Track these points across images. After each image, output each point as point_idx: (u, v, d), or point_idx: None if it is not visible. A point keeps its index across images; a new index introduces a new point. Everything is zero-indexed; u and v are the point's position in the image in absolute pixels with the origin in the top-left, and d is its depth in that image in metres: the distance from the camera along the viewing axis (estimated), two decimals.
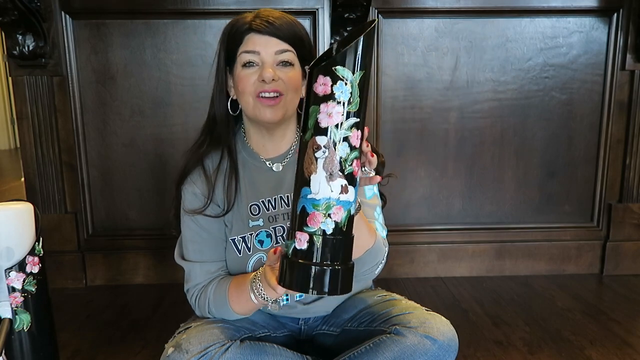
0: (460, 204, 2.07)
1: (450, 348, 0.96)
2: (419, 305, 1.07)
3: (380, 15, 1.90)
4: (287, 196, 1.07)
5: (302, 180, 0.72)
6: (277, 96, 1.00)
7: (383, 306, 1.08)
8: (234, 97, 1.06)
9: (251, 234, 1.06)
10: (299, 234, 0.72)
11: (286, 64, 1.00)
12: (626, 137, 2.03)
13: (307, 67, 0.71)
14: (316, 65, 0.70)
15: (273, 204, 1.07)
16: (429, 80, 1.97)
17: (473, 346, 1.52)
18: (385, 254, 1.03)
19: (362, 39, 0.67)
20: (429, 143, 2.02)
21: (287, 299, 1.08)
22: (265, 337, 1.09)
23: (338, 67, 0.68)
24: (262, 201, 1.07)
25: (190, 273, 1.07)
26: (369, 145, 0.77)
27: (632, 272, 2.09)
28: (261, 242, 1.06)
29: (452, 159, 2.04)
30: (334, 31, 1.84)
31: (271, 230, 1.06)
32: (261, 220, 1.06)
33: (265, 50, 0.98)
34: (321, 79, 0.69)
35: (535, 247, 2.10)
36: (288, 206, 1.07)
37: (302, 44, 1.02)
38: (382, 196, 1.16)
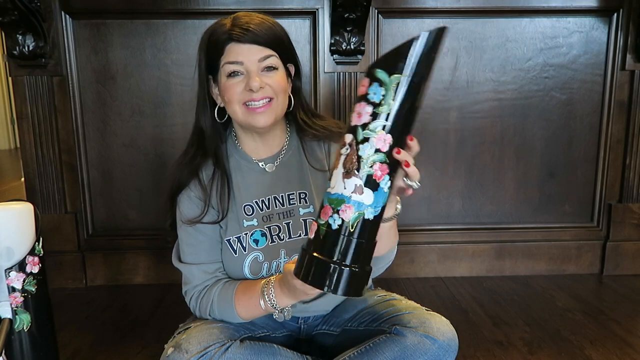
0: (460, 204, 2.07)
1: (450, 348, 0.96)
2: (419, 305, 1.07)
3: (380, 15, 1.90)
4: (282, 196, 1.08)
5: (330, 174, 0.74)
6: (267, 102, 1.00)
7: (383, 306, 1.08)
8: (222, 105, 1.06)
9: (246, 234, 1.06)
10: (313, 225, 0.75)
11: (270, 68, 1.00)
12: (626, 137, 2.03)
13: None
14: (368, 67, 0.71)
15: (267, 204, 1.08)
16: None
17: (473, 346, 1.52)
18: (395, 252, 1.05)
19: (406, 44, 0.66)
20: (429, 143, 2.02)
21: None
22: (265, 337, 1.10)
23: (377, 69, 0.68)
24: (256, 202, 1.08)
25: (188, 275, 1.08)
26: (411, 164, 0.73)
27: (632, 272, 2.09)
28: (256, 242, 1.06)
29: (452, 159, 2.04)
30: (334, 31, 1.84)
31: (266, 230, 1.06)
32: (255, 220, 1.07)
33: (248, 59, 0.98)
34: (364, 80, 0.70)
35: (535, 247, 2.10)
36: (283, 206, 1.08)
37: (283, 46, 1.02)
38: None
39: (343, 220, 0.71)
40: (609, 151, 2.04)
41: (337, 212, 0.71)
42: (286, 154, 1.11)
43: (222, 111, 1.06)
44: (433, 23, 1.92)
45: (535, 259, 2.10)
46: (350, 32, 1.82)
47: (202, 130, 1.07)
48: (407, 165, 0.74)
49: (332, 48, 1.86)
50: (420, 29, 1.90)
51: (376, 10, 1.88)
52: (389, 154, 0.70)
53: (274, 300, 0.94)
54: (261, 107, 1.00)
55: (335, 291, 0.72)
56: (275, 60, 1.00)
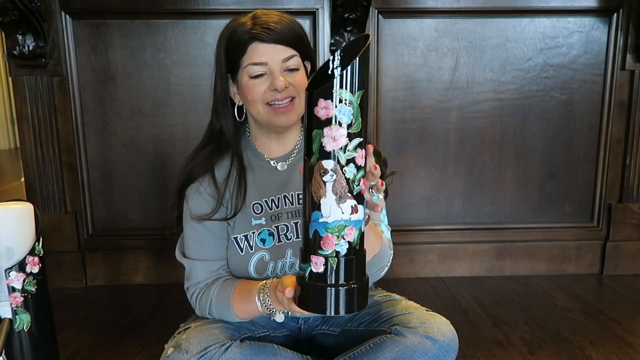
0: (460, 204, 2.07)
1: (451, 348, 0.96)
2: (419, 305, 1.07)
3: (380, 15, 1.90)
4: (292, 195, 1.08)
5: (312, 205, 0.71)
6: (290, 101, 1.00)
7: (383, 306, 1.08)
8: (240, 104, 1.06)
9: (253, 233, 1.06)
10: (314, 258, 0.72)
11: (293, 69, 1.00)
12: (626, 137, 2.03)
13: (306, 91, 0.70)
14: (313, 86, 0.69)
15: (276, 203, 1.07)
16: (429, 80, 1.97)
17: (473, 346, 1.52)
18: (391, 257, 1.03)
19: (359, 59, 0.66)
20: (429, 143, 2.02)
21: None
22: (265, 336, 1.09)
23: (339, 90, 0.67)
24: (265, 200, 1.07)
25: (191, 271, 1.07)
26: (378, 167, 0.76)
27: (632, 272, 2.09)
28: (263, 241, 1.06)
29: (452, 159, 2.04)
30: (334, 31, 1.84)
31: (273, 229, 1.06)
32: (263, 219, 1.07)
33: (272, 59, 0.98)
34: (322, 103, 0.67)
35: (535, 247, 2.10)
36: (292, 205, 1.07)
37: (304, 44, 1.02)
38: (385, 190, 1.16)
39: (349, 243, 0.72)
40: (609, 151, 2.04)
41: (342, 237, 0.71)
42: (299, 152, 1.10)
43: (240, 109, 1.06)
44: (433, 23, 1.92)
45: (535, 259, 2.10)
46: (350, 32, 1.82)
47: (220, 129, 1.07)
48: (383, 183, 0.77)
49: (332, 48, 1.86)
50: (420, 29, 1.92)
51: (376, 10, 1.88)
52: (365, 165, 0.72)
53: (270, 305, 0.94)
54: (285, 106, 1.00)
55: (353, 310, 0.73)
56: (297, 61, 1.01)
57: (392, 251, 1.04)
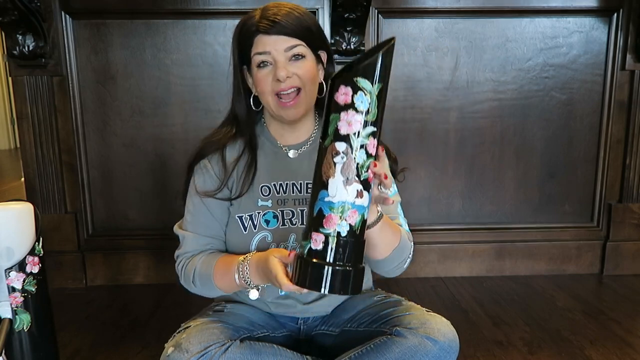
0: (460, 204, 2.07)
1: (451, 349, 0.96)
2: (419, 305, 1.07)
3: (380, 15, 1.90)
4: (300, 183, 1.09)
5: (320, 184, 0.74)
6: (295, 92, 1.02)
7: (383, 307, 1.08)
8: (256, 94, 1.08)
9: (258, 213, 1.07)
10: (314, 235, 0.75)
11: (298, 57, 1.01)
12: (626, 137, 2.03)
13: (330, 79, 0.75)
14: (338, 76, 0.73)
15: (284, 188, 1.09)
16: (429, 80, 1.97)
17: (473, 346, 1.52)
18: (412, 249, 1.04)
19: (381, 54, 0.70)
20: (429, 143, 2.02)
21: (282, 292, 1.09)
22: (265, 337, 1.09)
23: (359, 79, 0.71)
24: (274, 184, 1.09)
25: (183, 241, 1.10)
26: (382, 171, 0.77)
27: (632, 272, 2.09)
28: (267, 222, 1.07)
29: (452, 159, 2.04)
30: (334, 31, 1.84)
31: (279, 212, 1.08)
32: (270, 201, 1.08)
33: (274, 49, 1.00)
34: (342, 89, 0.72)
35: (535, 247, 2.10)
36: (300, 192, 1.09)
37: (312, 35, 1.03)
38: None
39: (350, 226, 0.74)
40: (609, 151, 2.04)
41: (345, 219, 0.74)
42: (313, 143, 1.12)
43: (257, 99, 1.09)
44: (433, 23, 1.92)
45: (535, 259, 2.10)
46: (350, 32, 1.82)
47: (236, 117, 1.10)
48: (386, 177, 0.78)
49: (332, 48, 1.86)
50: (420, 29, 1.92)
51: (376, 10, 1.88)
52: (375, 155, 0.75)
53: (247, 278, 0.96)
54: (291, 101, 1.02)
55: (345, 292, 0.76)
56: (302, 49, 1.01)
57: (412, 243, 1.04)
